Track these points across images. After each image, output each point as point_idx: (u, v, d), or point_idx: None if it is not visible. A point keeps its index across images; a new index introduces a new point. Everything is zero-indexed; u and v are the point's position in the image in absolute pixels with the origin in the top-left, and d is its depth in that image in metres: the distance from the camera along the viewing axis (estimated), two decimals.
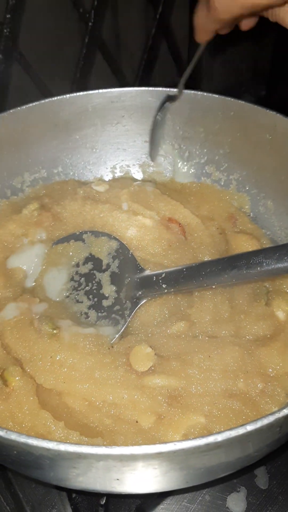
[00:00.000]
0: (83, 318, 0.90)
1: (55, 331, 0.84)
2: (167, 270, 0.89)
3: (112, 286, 0.93)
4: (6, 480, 0.89)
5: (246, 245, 1.02)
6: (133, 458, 0.54)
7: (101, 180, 1.18)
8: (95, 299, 0.92)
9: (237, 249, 1.02)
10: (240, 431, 0.54)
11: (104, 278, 0.95)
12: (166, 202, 1.07)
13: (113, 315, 0.90)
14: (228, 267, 0.79)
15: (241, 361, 0.80)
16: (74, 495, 0.87)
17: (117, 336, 0.86)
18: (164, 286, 0.87)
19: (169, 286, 0.87)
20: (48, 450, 0.54)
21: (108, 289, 0.93)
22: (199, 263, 0.85)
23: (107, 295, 0.92)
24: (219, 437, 0.54)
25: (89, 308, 0.91)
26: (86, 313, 0.91)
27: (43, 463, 0.59)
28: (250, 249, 1.00)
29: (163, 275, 0.88)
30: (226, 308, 0.90)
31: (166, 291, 0.87)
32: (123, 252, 0.97)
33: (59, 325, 0.85)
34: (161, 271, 0.90)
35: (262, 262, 0.75)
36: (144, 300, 0.90)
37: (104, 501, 0.84)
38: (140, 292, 0.90)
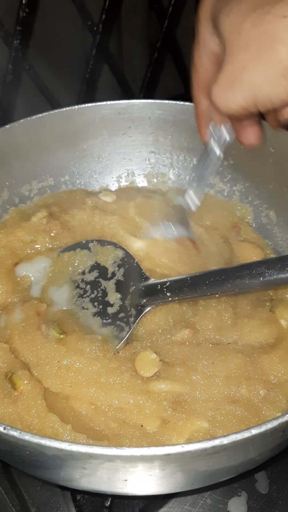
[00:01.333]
0: (89, 324, 0.91)
1: (61, 336, 0.85)
2: (171, 278, 0.89)
3: (117, 294, 0.94)
4: (12, 482, 0.90)
5: (250, 253, 1.03)
6: (142, 459, 0.56)
7: (107, 190, 1.20)
8: (100, 306, 0.93)
9: (241, 257, 1.03)
10: (245, 434, 0.56)
11: (109, 286, 0.95)
12: None
13: (118, 322, 0.90)
14: (231, 276, 0.80)
15: (243, 367, 0.82)
16: (78, 497, 0.88)
17: (121, 342, 0.87)
18: (168, 294, 0.87)
19: (173, 294, 0.87)
20: (61, 450, 0.55)
21: (113, 297, 0.94)
22: (203, 273, 0.86)
23: (112, 303, 0.93)
24: (225, 440, 0.55)
25: (94, 315, 0.92)
26: (91, 320, 0.92)
27: (54, 463, 0.61)
28: (254, 258, 1.01)
29: (168, 284, 0.88)
30: (229, 316, 0.90)
31: (170, 299, 0.88)
32: (128, 261, 0.98)
33: (66, 330, 0.86)
34: (165, 279, 0.90)
35: (265, 273, 0.75)
36: (149, 308, 0.90)
37: (108, 503, 0.85)
38: (144, 300, 0.91)
